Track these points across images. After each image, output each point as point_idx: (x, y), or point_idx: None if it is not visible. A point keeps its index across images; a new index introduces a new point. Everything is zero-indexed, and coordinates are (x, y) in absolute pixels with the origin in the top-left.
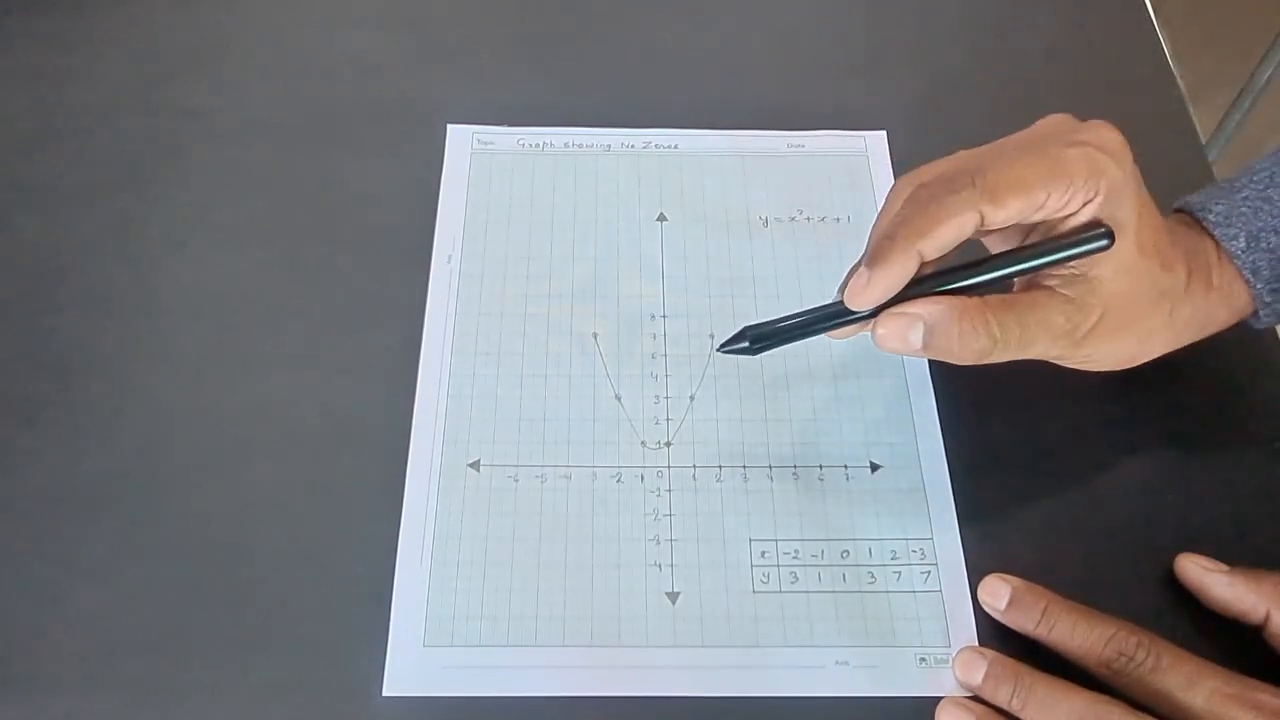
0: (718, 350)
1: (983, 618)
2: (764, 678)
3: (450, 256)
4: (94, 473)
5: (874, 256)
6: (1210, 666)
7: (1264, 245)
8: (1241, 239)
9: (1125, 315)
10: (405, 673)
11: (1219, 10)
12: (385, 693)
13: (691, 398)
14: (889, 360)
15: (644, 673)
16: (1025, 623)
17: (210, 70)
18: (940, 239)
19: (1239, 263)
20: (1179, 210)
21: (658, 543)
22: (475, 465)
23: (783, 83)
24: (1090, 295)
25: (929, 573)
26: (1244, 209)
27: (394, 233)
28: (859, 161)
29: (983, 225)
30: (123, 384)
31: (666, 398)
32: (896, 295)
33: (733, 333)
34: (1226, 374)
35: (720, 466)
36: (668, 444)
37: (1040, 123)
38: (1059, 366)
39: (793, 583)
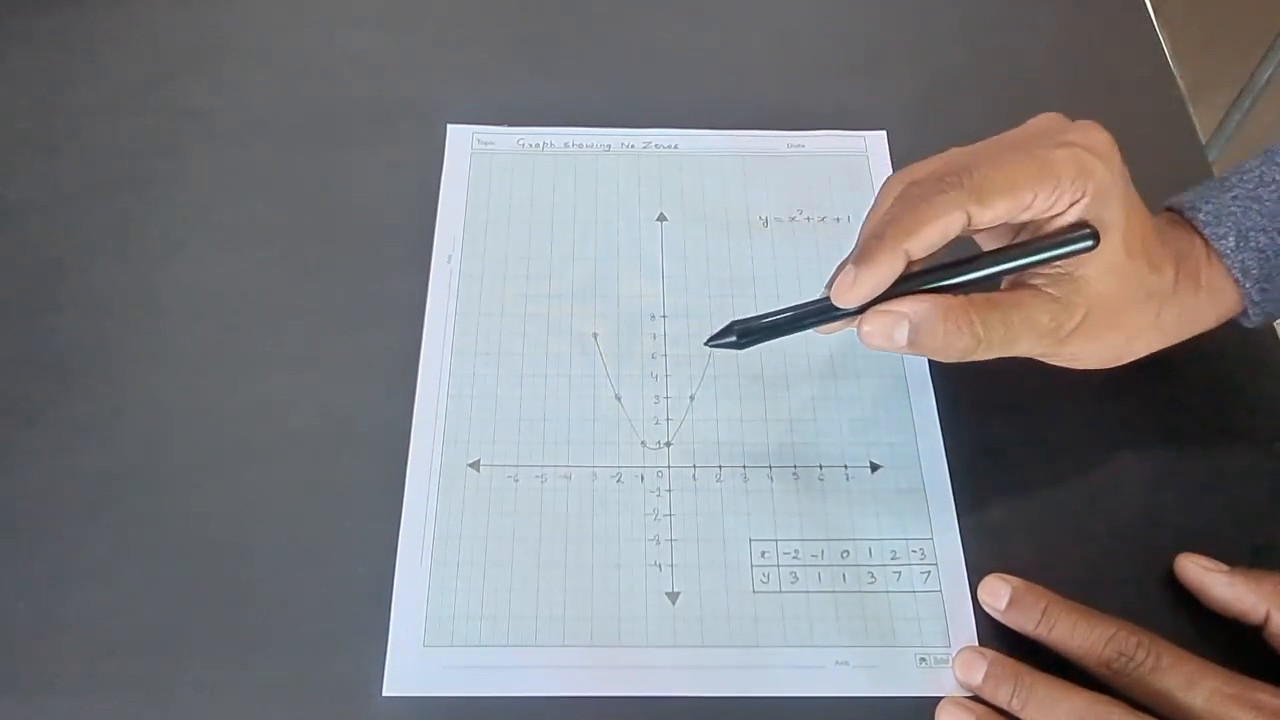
0: (705, 344)
1: (983, 618)
2: (764, 678)
3: (450, 256)
4: (94, 473)
5: (861, 255)
6: (1210, 666)
7: (1253, 244)
8: (1231, 238)
9: (1111, 315)
10: (405, 673)
11: (1219, 10)
12: (385, 693)
13: (691, 398)
14: (889, 360)
15: (644, 673)
16: (1025, 623)
17: (210, 70)
18: (927, 238)
19: (1228, 262)
20: (1169, 209)
21: (658, 543)
22: (475, 465)
23: (783, 83)
24: (1076, 294)
25: (929, 573)
26: (1233, 208)
27: (394, 233)
28: (859, 161)
29: (970, 225)
30: (123, 384)
31: (666, 398)
32: (883, 293)
33: (720, 327)
34: (1226, 373)
35: (720, 466)
36: (668, 444)
37: (1031, 122)
38: (1060, 367)
39: (793, 583)
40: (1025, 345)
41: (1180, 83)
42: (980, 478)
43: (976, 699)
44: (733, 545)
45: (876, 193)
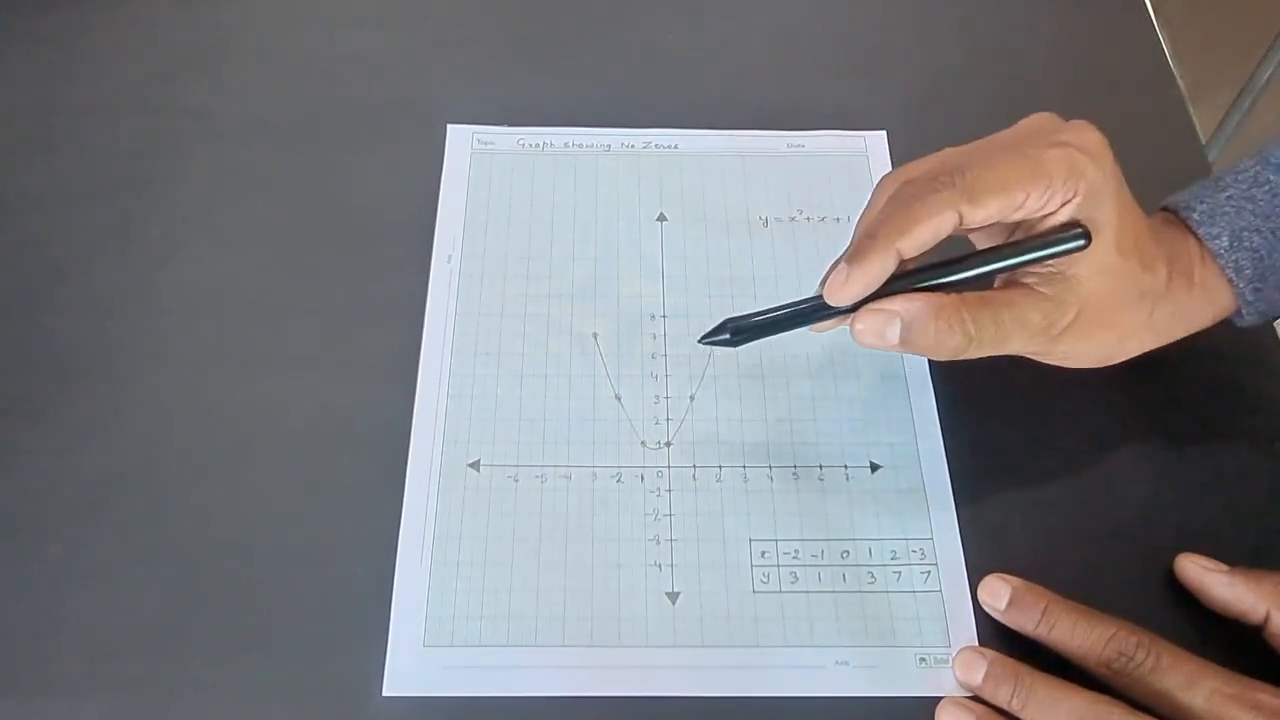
0: (698, 341)
1: (983, 618)
2: (764, 678)
3: (450, 256)
4: (94, 473)
5: (854, 254)
6: (1210, 666)
7: (1246, 244)
8: (1224, 238)
9: (1103, 314)
10: (405, 673)
11: (1219, 10)
12: (385, 693)
13: (691, 398)
14: (889, 360)
15: (644, 673)
16: (1025, 623)
17: (210, 70)
18: (919, 238)
19: (1222, 261)
20: (1164, 208)
21: (658, 543)
22: (475, 465)
23: (783, 83)
24: (1067, 293)
25: (929, 573)
26: (1227, 208)
27: (394, 233)
28: (859, 161)
29: (962, 224)
30: (123, 384)
31: (666, 398)
32: (876, 291)
33: (714, 324)
34: (1226, 373)
35: (720, 466)
36: (668, 444)
37: (1024, 121)
38: (1058, 366)
39: (793, 583)
40: (1017, 344)
41: (1180, 83)
42: (980, 478)
43: (976, 699)
44: (733, 545)
45: (871, 192)
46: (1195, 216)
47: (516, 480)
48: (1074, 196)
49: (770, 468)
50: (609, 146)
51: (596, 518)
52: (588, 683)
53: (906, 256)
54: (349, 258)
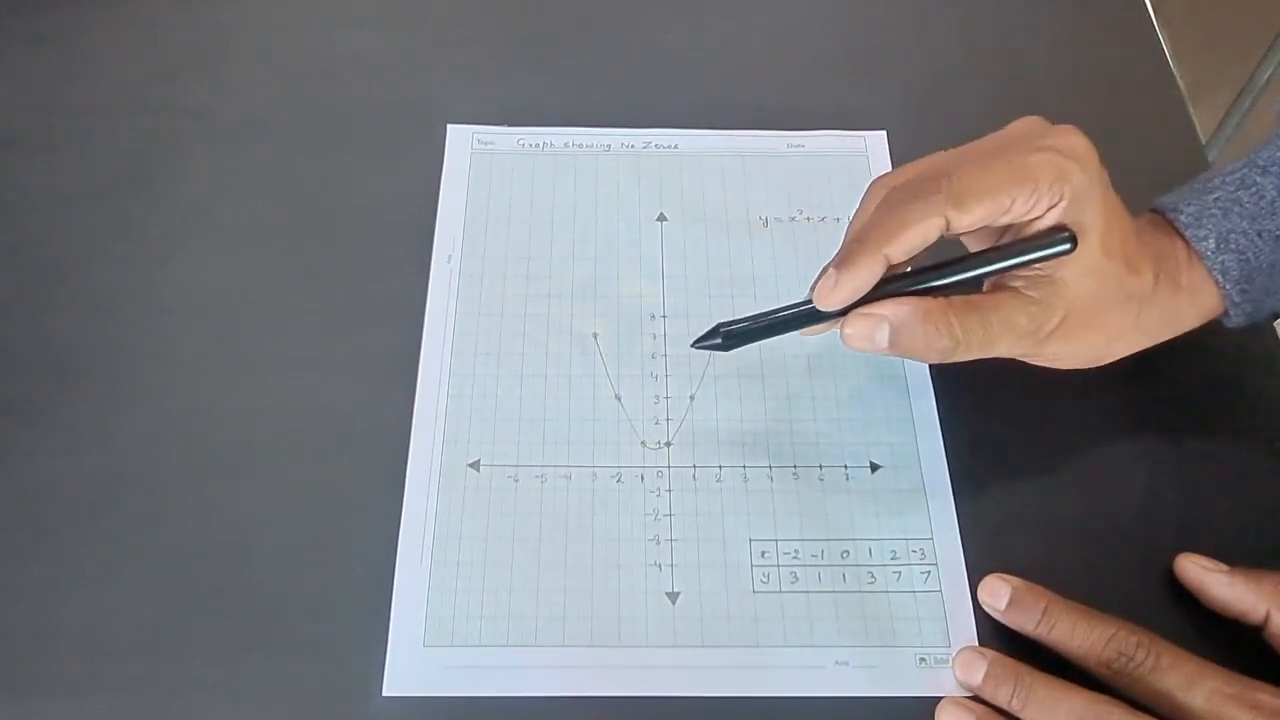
0: (691, 346)
1: (983, 618)
2: (764, 678)
3: (450, 256)
4: (94, 473)
5: (842, 259)
6: (1210, 666)
7: (1233, 246)
8: (1211, 240)
9: (1090, 316)
10: (405, 673)
11: (1219, 10)
12: (385, 693)
13: (691, 398)
14: (889, 360)
15: (644, 673)
16: (1025, 623)
17: (210, 70)
18: (906, 244)
19: (1208, 263)
20: (1153, 210)
21: (658, 543)
22: (475, 465)
23: (783, 83)
24: (1054, 296)
25: (929, 573)
26: (1214, 210)
27: (394, 233)
28: (859, 161)
29: (949, 230)
30: (123, 384)
31: (666, 398)
32: (865, 295)
33: (706, 329)
34: (1226, 373)
35: (720, 466)
36: (668, 444)
37: (1012, 125)
38: (1053, 368)
39: (793, 583)
40: (1004, 346)
41: (1180, 83)
42: (980, 478)
43: (976, 699)
44: (733, 545)
45: (861, 197)
46: (1183, 218)
47: (516, 480)
48: (1060, 201)
49: (770, 468)
50: (609, 146)
51: (596, 518)
52: (588, 683)
53: (894, 262)
54: (349, 258)
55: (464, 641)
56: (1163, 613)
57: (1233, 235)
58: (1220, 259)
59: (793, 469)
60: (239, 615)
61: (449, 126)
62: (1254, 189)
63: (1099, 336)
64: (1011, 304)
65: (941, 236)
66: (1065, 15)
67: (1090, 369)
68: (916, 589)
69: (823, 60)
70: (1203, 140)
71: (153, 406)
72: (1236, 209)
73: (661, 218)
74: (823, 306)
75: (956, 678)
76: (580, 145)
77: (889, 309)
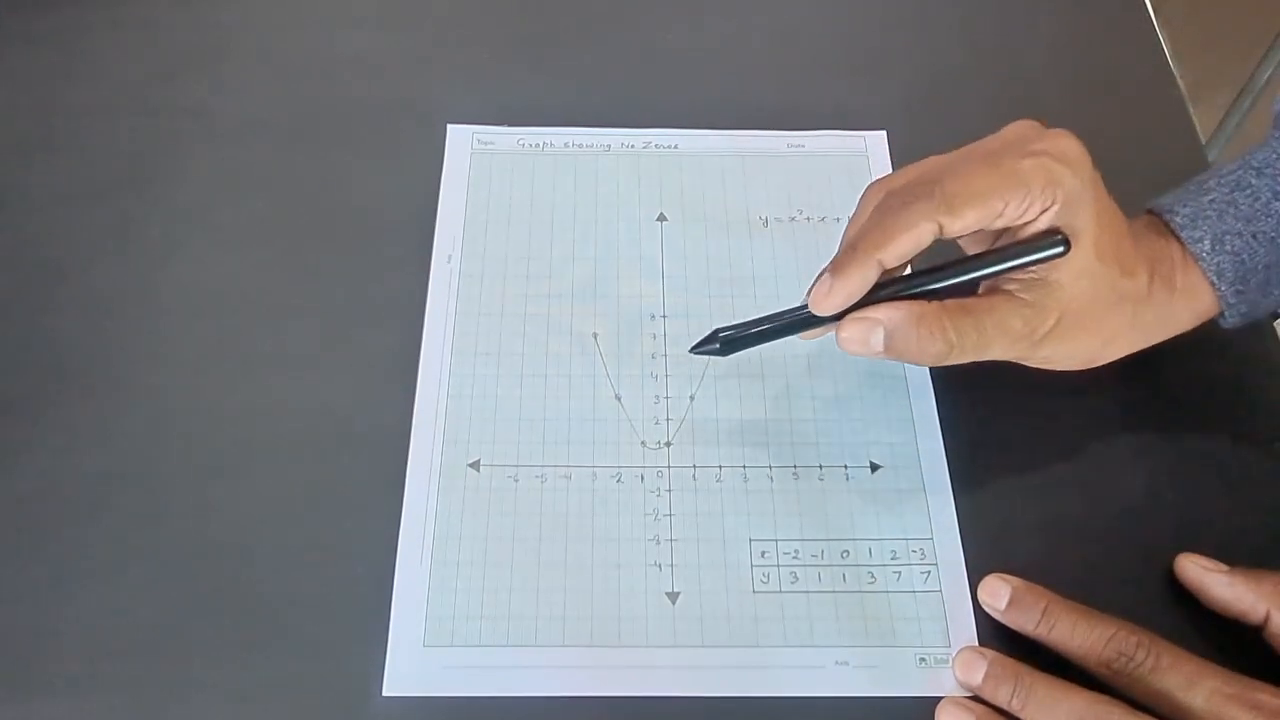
0: (689, 351)
1: (983, 618)
2: (764, 678)
3: (450, 256)
4: (94, 473)
5: (836, 265)
6: (1210, 666)
7: (1228, 248)
8: (1206, 241)
9: (1084, 319)
10: (405, 673)
11: (1219, 10)
12: (385, 693)
13: (691, 398)
14: (889, 361)
15: (644, 673)
16: (1025, 623)
17: (210, 70)
18: (899, 249)
19: (1204, 265)
20: (1149, 211)
21: (658, 543)
22: (475, 465)
23: (783, 83)
24: (1048, 299)
25: (929, 573)
26: (1210, 211)
27: (394, 233)
28: (859, 161)
29: (942, 234)
30: (123, 384)
31: (666, 398)
32: (861, 299)
33: (703, 335)
34: (1226, 373)
35: (720, 466)
36: (668, 444)
37: (1005, 129)
38: (1050, 370)
39: (793, 583)
40: (999, 349)
41: (1180, 83)
42: (980, 478)
43: (976, 699)
44: (733, 545)
45: (858, 200)
46: (1178, 220)
47: (516, 480)
48: (1052, 204)
49: (770, 468)
50: (609, 146)
51: (596, 518)
52: (588, 683)
53: (888, 267)
54: (349, 258)
55: (464, 641)
56: (1163, 613)
57: (1228, 237)
58: (1215, 260)
59: (793, 469)
60: (239, 615)
61: (449, 126)
62: (1249, 190)
63: (1093, 338)
64: (1006, 307)
65: (935, 241)
66: (1065, 15)
67: (1089, 369)
68: (916, 589)
69: (823, 60)
70: (1203, 140)
71: (153, 406)
72: (1231, 210)
73: (661, 218)
74: (818, 311)
75: (956, 678)
76: (580, 145)
77: (883, 313)
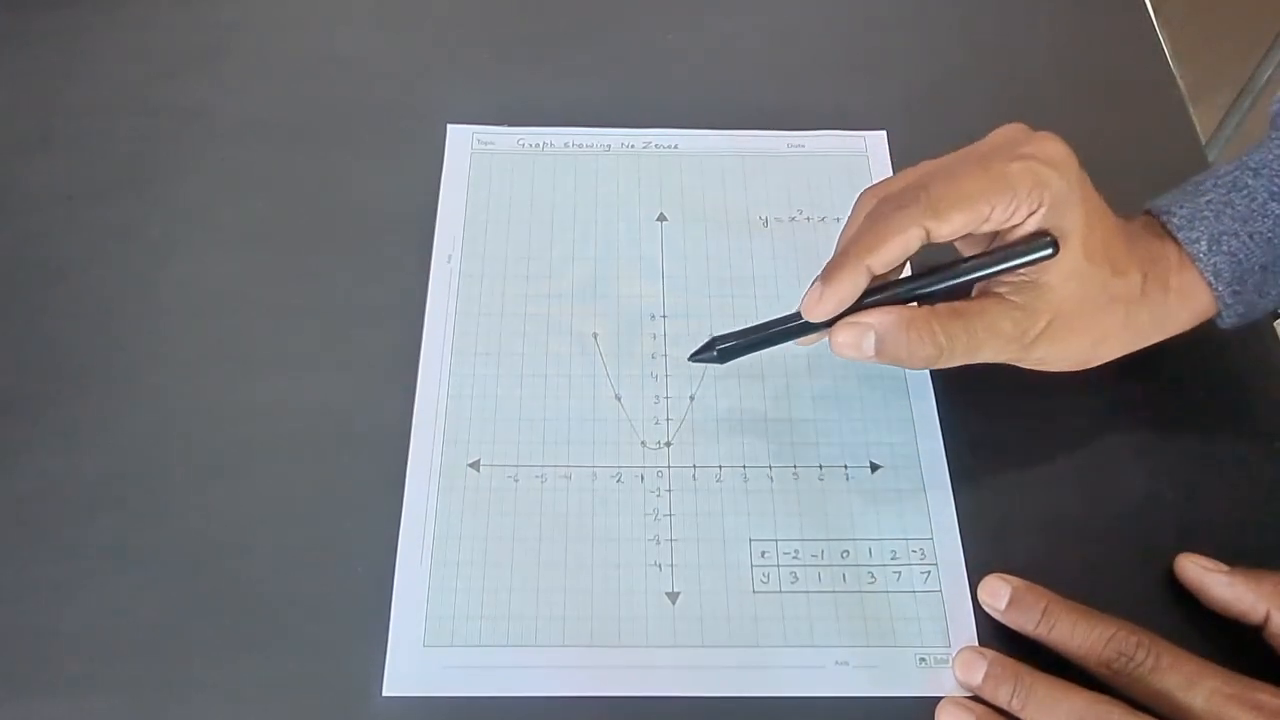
0: (688, 359)
1: (983, 618)
2: (764, 678)
3: (450, 256)
4: (94, 472)
5: (826, 273)
6: (1210, 666)
7: (1225, 248)
8: (1203, 242)
9: (1075, 320)
10: (405, 673)
11: (1219, 10)
12: (385, 693)
13: (691, 398)
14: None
15: (644, 673)
16: (1025, 623)
17: (210, 70)
18: (887, 255)
19: (1201, 265)
20: (1147, 212)
21: (658, 543)
22: (475, 465)
23: (783, 83)
24: (1038, 301)
25: (929, 573)
26: (1207, 212)
27: (394, 233)
28: (859, 161)
29: (930, 239)
30: (123, 384)
31: (666, 398)
32: (854, 305)
33: (701, 343)
34: (1227, 373)
35: (720, 466)
36: (668, 444)
37: (993, 134)
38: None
39: (793, 583)
40: (990, 352)
41: (1180, 83)
42: (980, 478)
43: (976, 699)
44: (733, 545)
45: (851, 207)
46: (1175, 221)
47: (516, 480)
48: (1039, 207)
49: (770, 468)
50: (609, 146)
51: (596, 518)
52: (588, 683)
53: (877, 272)
54: (349, 258)
55: (464, 641)
56: (1163, 613)
57: (1225, 237)
58: (1212, 261)
59: (793, 469)
60: (239, 615)
61: (449, 126)
62: (1245, 191)
63: (1085, 339)
64: (996, 310)
65: (924, 246)
66: (1065, 15)
67: (1086, 370)
68: (916, 589)
69: (823, 60)
70: (1203, 140)
71: (153, 406)
72: (1229, 211)
73: (661, 218)
74: (810, 318)
75: (956, 678)
76: (580, 145)
77: (875, 318)
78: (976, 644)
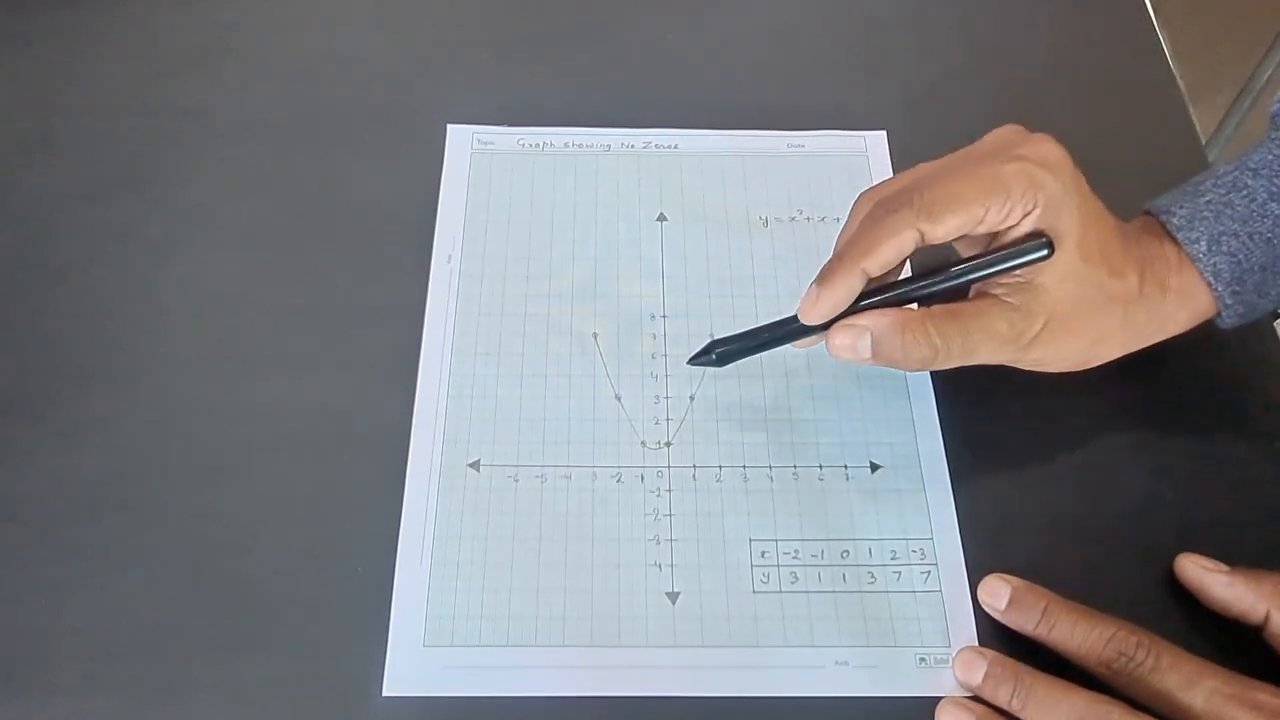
0: (686, 363)
1: (983, 618)
2: (764, 678)
3: (450, 256)
4: (94, 472)
5: (821, 276)
6: (1210, 666)
7: (1224, 249)
8: (1203, 242)
9: (1072, 320)
10: (405, 673)
11: (1219, 10)
12: (385, 693)
13: (691, 398)
14: None
15: (644, 673)
16: (1025, 623)
17: (210, 70)
18: (882, 257)
19: (1200, 265)
20: (1146, 212)
21: (658, 543)
22: (475, 465)
23: (783, 83)
24: (1034, 302)
25: (929, 573)
26: (1206, 213)
27: (394, 233)
28: (859, 161)
29: (924, 241)
30: (123, 384)
31: (666, 398)
32: (850, 307)
33: (700, 347)
34: (1227, 373)
35: (720, 466)
36: (668, 444)
37: (988, 136)
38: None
39: (793, 583)
40: (986, 353)
41: (1180, 83)
42: (980, 478)
43: (976, 699)
44: (733, 545)
45: (848, 210)
46: (1175, 221)
47: (516, 480)
48: (1034, 208)
49: (770, 468)
50: (609, 146)
51: (596, 518)
52: (588, 683)
53: (872, 275)
54: (349, 258)
55: (464, 641)
56: (1163, 613)
57: (1224, 237)
58: (1212, 261)
59: (793, 469)
60: (239, 615)
61: (449, 126)
62: (1245, 191)
63: (1082, 340)
64: (992, 311)
65: (918, 248)
66: (1065, 15)
67: (1086, 370)
68: (916, 589)
69: (823, 60)
70: (1203, 140)
71: (153, 406)
72: (1228, 211)
73: (661, 218)
74: (806, 321)
75: (956, 678)
76: (580, 145)
77: (870, 320)
78: (976, 644)
